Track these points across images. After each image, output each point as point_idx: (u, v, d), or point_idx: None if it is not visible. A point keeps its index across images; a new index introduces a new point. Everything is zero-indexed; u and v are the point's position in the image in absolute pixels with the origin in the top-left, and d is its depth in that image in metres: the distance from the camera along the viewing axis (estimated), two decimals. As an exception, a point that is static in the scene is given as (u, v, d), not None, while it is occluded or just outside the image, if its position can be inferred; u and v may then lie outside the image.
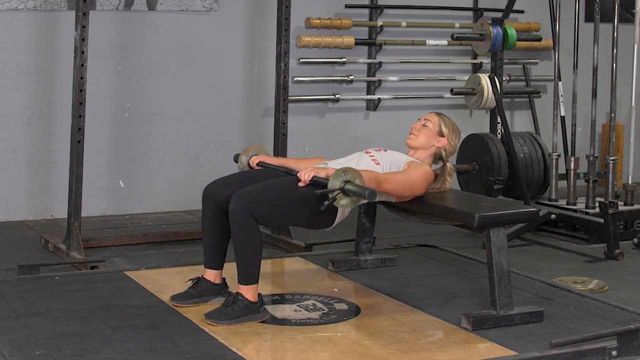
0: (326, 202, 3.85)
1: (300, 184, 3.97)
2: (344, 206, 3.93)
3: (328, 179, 3.87)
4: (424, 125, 4.41)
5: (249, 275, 3.91)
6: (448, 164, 4.45)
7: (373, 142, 7.04)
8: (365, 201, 4.09)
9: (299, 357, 3.56)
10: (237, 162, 4.50)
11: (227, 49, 6.75)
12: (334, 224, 4.18)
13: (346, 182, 3.84)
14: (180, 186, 6.68)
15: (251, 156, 4.44)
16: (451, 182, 4.48)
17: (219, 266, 4.18)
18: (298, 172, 4.03)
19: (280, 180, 4.09)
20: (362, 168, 4.11)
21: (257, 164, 4.38)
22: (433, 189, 4.39)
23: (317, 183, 3.92)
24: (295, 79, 6.88)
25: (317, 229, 4.19)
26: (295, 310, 4.11)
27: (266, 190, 3.97)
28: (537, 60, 7.84)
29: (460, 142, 6.58)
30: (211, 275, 4.16)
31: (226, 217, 4.04)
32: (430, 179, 4.30)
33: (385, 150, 4.36)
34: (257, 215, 3.88)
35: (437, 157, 4.43)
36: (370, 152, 4.33)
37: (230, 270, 4.17)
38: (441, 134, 4.40)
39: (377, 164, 4.24)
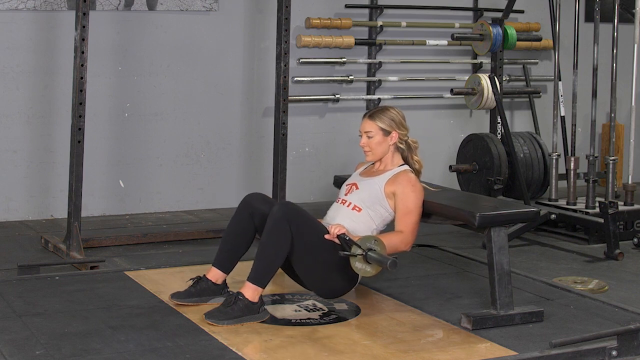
0: (345, 253, 3.94)
1: (327, 236, 4.03)
2: (359, 270, 3.97)
3: (354, 241, 3.95)
4: (368, 137, 4.34)
5: (261, 277, 3.93)
6: (409, 140, 4.38)
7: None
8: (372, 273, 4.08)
9: (299, 357, 3.56)
10: None
11: (227, 49, 6.75)
12: (343, 294, 4.23)
13: (370, 249, 3.91)
14: (180, 186, 6.67)
15: None
16: (420, 159, 4.41)
17: (227, 270, 4.19)
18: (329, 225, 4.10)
19: (320, 223, 4.14)
20: (344, 222, 4.16)
21: None
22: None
23: (343, 241, 3.99)
24: (295, 79, 6.87)
25: (327, 295, 4.21)
26: (295, 310, 4.11)
27: (309, 219, 4.05)
28: (537, 60, 7.84)
29: (460, 143, 6.59)
30: (215, 275, 4.16)
31: (254, 229, 4.15)
32: (418, 183, 4.29)
33: (357, 187, 4.33)
34: (292, 228, 3.93)
35: (399, 148, 4.38)
36: (345, 201, 4.32)
37: (233, 271, 4.18)
38: (387, 132, 4.33)
39: (358, 210, 4.25)
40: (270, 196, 5.28)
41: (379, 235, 4.11)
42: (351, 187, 4.36)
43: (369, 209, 4.25)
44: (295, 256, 4.00)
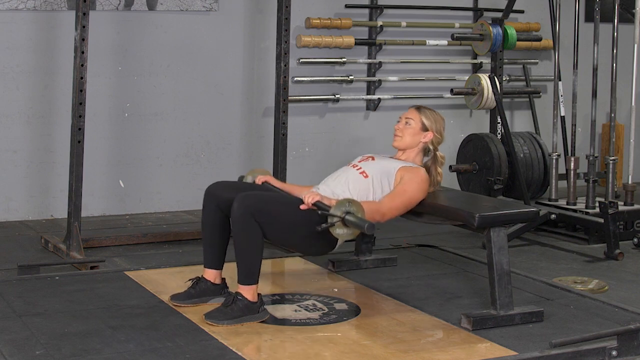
0: (324, 225, 3.87)
1: (303, 207, 3.98)
2: (340, 236, 3.94)
3: (331, 206, 3.88)
4: (406, 123, 4.38)
5: (249, 276, 3.91)
6: (438, 152, 4.41)
7: (373, 142, 7.05)
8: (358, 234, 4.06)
9: (299, 357, 3.56)
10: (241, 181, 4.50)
11: (227, 49, 6.75)
12: (327, 253, 4.21)
13: (347, 212, 3.86)
14: (180, 186, 6.67)
15: (257, 176, 4.43)
16: (442, 172, 4.44)
17: (218, 266, 4.17)
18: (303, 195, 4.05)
19: (286, 196, 4.11)
20: (351, 185, 4.14)
21: (262, 183, 4.38)
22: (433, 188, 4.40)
23: (320, 208, 3.94)
24: (295, 79, 6.87)
25: (311, 255, 4.19)
26: (295, 310, 4.11)
27: (271, 200, 3.99)
28: (537, 60, 7.84)
29: (452, 137, 6.58)
30: (211, 275, 4.17)
31: (227, 218, 4.06)
32: (427, 184, 4.28)
33: (373, 159, 4.34)
34: (258, 220, 3.89)
35: (427, 151, 4.41)
36: (356, 165, 4.30)
37: (230, 270, 4.18)
38: (425, 129, 4.37)
39: (365, 176, 4.23)
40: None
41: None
42: (367, 158, 4.36)
43: (375, 178, 4.22)
44: (272, 238, 3.98)
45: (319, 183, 4.32)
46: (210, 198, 4.15)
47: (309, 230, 3.96)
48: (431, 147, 4.38)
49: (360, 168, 4.26)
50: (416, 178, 4.22)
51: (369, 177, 4.21)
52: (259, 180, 4.37)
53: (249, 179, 4.44)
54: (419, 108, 4.40)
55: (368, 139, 7.12)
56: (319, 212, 3.92)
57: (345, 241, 4.09)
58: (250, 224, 3.87)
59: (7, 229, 6.00)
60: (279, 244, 4.13)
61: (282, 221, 3.95)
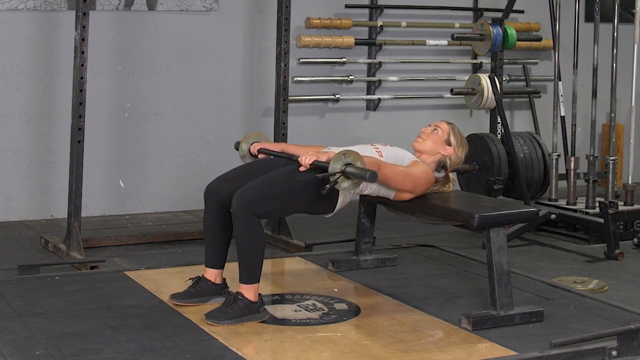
0: (328, 186, 3.85)
1: (301, 169, 3.97)
2: (346, 189, 3.92)
3: (329, 163, 3.87)
4: (434, 130, 4.39)
5: (250, 275, 3.91)
6: (450, 174, 4.44)
7: (373, 142, 7.03)
8: (365, 184, 4.05)
9: (299, 357, 3.56)
10: (237, 149, 4.49)
11: (227, 49, 6.76)
12: (335, 210, 4.16)
13: (347, 164, 3.84)
14: (180, 186, 6.68)
15: (252, 143, 4.43)
16: (452, 184, 4.47)
17: (219, 265, 4.17)
18: (299, 157, 4.03)
19: (280, 171, 4.07)
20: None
21: (259, 151, 4.37)
22: (431, 191, 4.39)
23: (318, 167, 3.92)
24: (295, 79, 6.88)
25: (319, 215, 4.18)
26: (295, 310, 4.11)
27: (267, 184, 3.96)
28: (537, 60, 7.84)
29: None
30: (211, 274, 4.16)
31: (228, 215, 4.05)
32: (431, 180, 4.28)
33: (392, 146, 4.36)
34: (260, 212, 3.89)
35: (441, 166, 4.42)
36: (375, 145, 4.33)
37: (230, 270, 4.18)
38: (449, 143, 4.38)
39: (380, 155, 4.22)
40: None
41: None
42: (386, 145, 4.37)
43: (388, 159, 4.22)
44: (285, 213, 4.05)
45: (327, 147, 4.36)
46: (211, 195, 4.14)
47: (311, 195, 3.98)
48: (448, 162, 4.39)
49: (378, 148, 4.29)
50: (423, 167, 4.25)
51: (383, 157, 4.22)
52: (255, 148, 4.38)
53: (243, 147, 4.43)
54: (450, 123, 4.44)
55: (368, 139, 7.11)
56: (319, 172, 3.89)
57: (354, 193, 4.10)
58: (251, 221, 3.87)
59: (7, 229, 6.00)
60: (292, 213, 4.15)
61: (284, 199, 3.96)
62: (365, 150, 4.22)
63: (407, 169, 4.20)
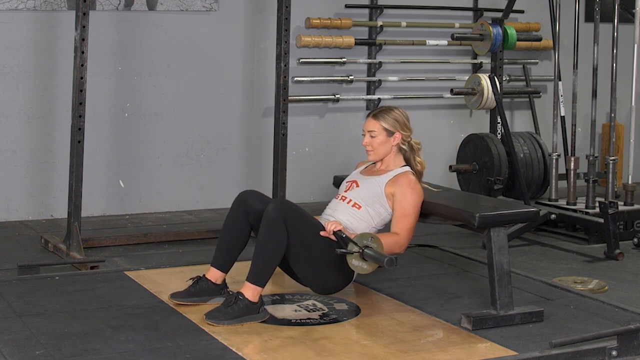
0: (342, 250, 3.94)
1: (323, 233, 4.04)
2: (355, 267, 3.98)
3: (350, 238, 3.96)
4: (371, 137, 4.35)
5: (259, 276, 3.93)
6: (412, 141, 4.38)
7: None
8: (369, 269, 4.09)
9: (299, 357, 3.56)
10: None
11: (227, 49, 6.75)
12: (338, 290, 4.26)
13: (367, 247, 3.92)
14: (180, 186, 6.67)
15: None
16: (423, 160, 4.41)
17: (225, 269, 4.19)
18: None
19: (315, 220, 4.14)
20: (344, 218, 4.19)
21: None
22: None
23: (339, 238, 4.00)
24: (295, 79, 6.87)
25: (323, 292, 4.24)
26: (295, 310, 4.11)
27: (304, 215, 4.05)
28: (537, 60, 7.84)
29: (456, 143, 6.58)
30: (214, 275, 4.16)
31: (249, 227, 4.15)
32: (418, 184, 4.29)
33: (357, 184, 4.35)
34: (287, 227, 3.94)
35: (402, 149, 4.38)
36: (345, 197, 4.32)
37: (232, 270, 4.19)
38: (390, 133, 4.33)
39: (358, 208, 4.26)
40: (270, 196, 5.29)
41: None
42: (351, 185, 4.36)
43: (369, 207, 4.25)
44: (292, 253, 4.02)
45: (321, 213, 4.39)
46: (241, 203, 4.18)
47: (325, 259, 4.06)
48: (403, 145, 4.36)
49: (350, 200, 4.29)
50: (406, 190, 4.23)
51: (362, 209, 4.26)
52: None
53: None
54: (375, 115, 4.35)
55: (368, 139, 7.12)
56: (339, 242, 3.99)
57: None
58: (280, 227, 3.93)
59: (7, 229, 6.00)
60: (296, 269, 4.14)
61: (305, 238, 4.02)
62: (340, 208, 4.27)
63: (406, 215, 4.20)
